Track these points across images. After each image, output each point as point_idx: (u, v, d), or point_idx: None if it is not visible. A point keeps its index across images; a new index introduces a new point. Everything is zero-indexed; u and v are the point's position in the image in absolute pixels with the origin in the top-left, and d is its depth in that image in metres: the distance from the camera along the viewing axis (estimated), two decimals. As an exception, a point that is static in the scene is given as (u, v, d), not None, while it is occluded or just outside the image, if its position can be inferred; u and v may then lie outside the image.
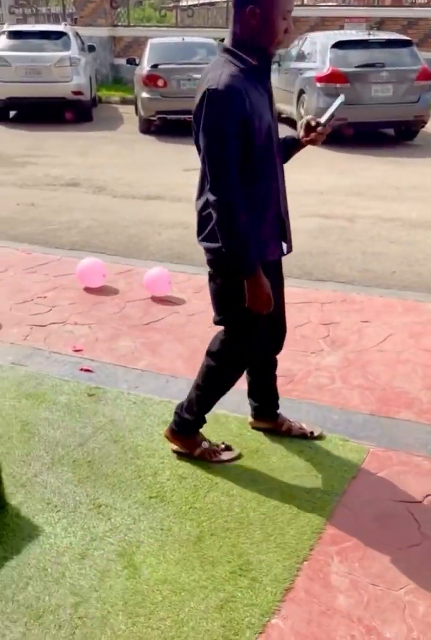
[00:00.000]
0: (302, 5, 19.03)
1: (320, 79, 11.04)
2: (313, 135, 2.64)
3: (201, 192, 2.54)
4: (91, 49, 15.67)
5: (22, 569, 2.30)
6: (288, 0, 2.38)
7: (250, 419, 3.17)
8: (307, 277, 5.39)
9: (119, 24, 19.73)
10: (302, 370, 3.73)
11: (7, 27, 14.59)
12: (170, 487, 2.74)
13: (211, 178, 2.37)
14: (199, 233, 2.62)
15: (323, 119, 2.66)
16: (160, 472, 2.84)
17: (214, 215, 2.41)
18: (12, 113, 14.29)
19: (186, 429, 2.95)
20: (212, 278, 2.68)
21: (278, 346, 2.99)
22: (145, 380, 3.64)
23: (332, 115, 2.68)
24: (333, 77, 10.94)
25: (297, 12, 19.68)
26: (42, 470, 2.84)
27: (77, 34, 15.23)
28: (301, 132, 2.71)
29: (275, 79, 13.88)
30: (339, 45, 11.32)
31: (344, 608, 2.16)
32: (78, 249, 6.11)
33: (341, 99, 2.76)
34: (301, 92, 11.78)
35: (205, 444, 2.93)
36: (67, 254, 5.91)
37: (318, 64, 11.40)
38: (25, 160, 10.26)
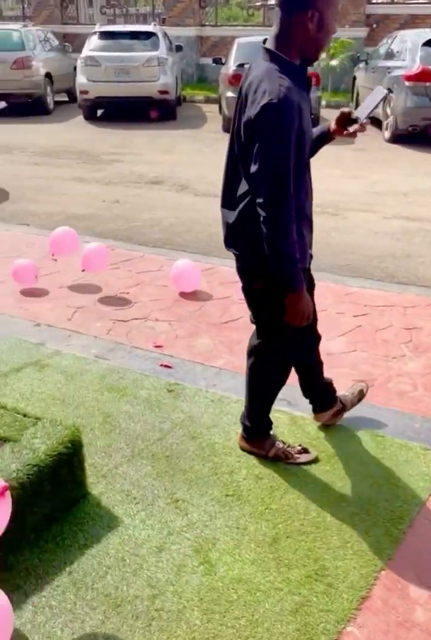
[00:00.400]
0: (392, 3, 18.62)
1: (409, 78, 10.77)
2: (356, 127, 2.56)
3: (234, 201, 2.51)
4: (178, 48, 15.88)
5: (102, 558, 2.36)
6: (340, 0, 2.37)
7: (312, 414, 3.18)
8: (389, 280, 5.28)
9: (207, 23, 19.90)
10: (382, 376, 3.66)
11: (98, 28, 14.97)
12: (247, 487, 2.75)
13: (268, 192, 2.29)
14: (234, 241, 2.59)
15: (362, 114, 2.57)
16: (237, 471, 2.85)
17: (265, 229, 2.33)
18: (99, 112, 14.67)
19: (254, 434, 2.97)
20: (248, 284, 2.69)
21: (317, 337, 3.05)
22: (222, 379, 3.66)
23: (375, 107, 2.59)
24: (423, 76, 10.65)
25: (387, 9, 19.29)
26: (122, 462, 2.90)
27: (165, 34, 15.47)
28: (333, 125, 2.65)
29: (361, 77, 13.72)
30: (430, 43, 11.02)
31: (422, 621, 2.11)
32: (160, 246, 6.20)
33: (383, 92, 2.63)
34: (388, 91, 11.53)
35: (278, 444, 2.93)
36: (149, 251, 6.01)
37: (408, 62, 11.13)
38: (111, 158, 10.50)
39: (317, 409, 3.15)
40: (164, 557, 2.36)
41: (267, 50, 2.37)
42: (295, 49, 2.34)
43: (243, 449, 2.98)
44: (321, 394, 3.13)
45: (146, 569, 2.31)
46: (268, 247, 2.35)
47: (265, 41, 2.41)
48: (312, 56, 2.39)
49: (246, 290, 2.73)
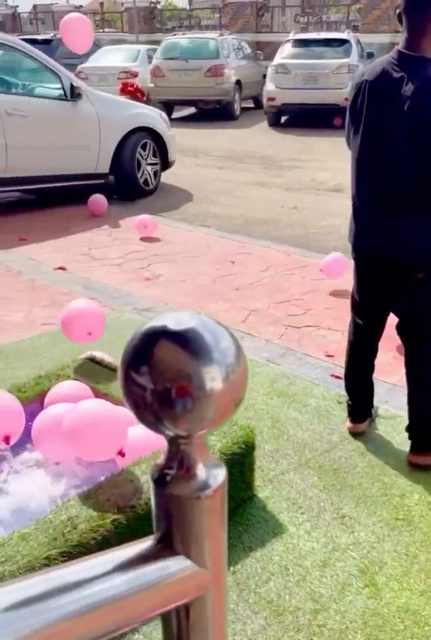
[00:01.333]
0: None
1: None
2: None
3: (397, 202, 2.64)
4: (370, 55, 15.61)
5: (265, 563, 2.35)
6: None
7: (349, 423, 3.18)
8: None
9: (401, 30, 19.41)
10: None
11: (292, 36, 15.16)
12: (419, 512, 2.61)
13: None
14: (402, 247, 2.64)
15: None
16: (408, 494, 2.72)
17: None
18: (283, 118, 14.82)
19: (424, 445, 2.86)
20: (407, 280, 2.71)
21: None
22: (396, 396, 3.51)
23: None
24: None
25: None
26: (289, 469, 2.88)
27: (358, 41, 15.32)
28: None
29: None
30: None
31: None
32: (337, 255, 6.11)
33: None
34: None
35: None
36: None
37: None
38: (292, 164, 10.55)
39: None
40: (328, 573, 2.31)
41: (420, 58, 2.62)
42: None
43: (413, 465, 2.85)
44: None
45: (309, 582, 2.27)
46: None
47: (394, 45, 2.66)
48: None
49: (402, 289, 2.75)
